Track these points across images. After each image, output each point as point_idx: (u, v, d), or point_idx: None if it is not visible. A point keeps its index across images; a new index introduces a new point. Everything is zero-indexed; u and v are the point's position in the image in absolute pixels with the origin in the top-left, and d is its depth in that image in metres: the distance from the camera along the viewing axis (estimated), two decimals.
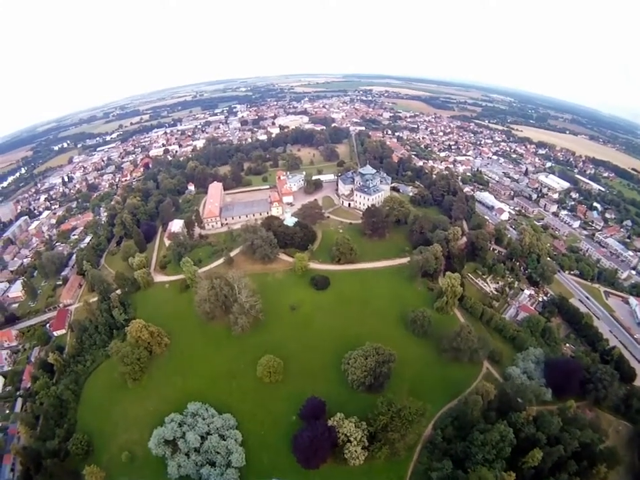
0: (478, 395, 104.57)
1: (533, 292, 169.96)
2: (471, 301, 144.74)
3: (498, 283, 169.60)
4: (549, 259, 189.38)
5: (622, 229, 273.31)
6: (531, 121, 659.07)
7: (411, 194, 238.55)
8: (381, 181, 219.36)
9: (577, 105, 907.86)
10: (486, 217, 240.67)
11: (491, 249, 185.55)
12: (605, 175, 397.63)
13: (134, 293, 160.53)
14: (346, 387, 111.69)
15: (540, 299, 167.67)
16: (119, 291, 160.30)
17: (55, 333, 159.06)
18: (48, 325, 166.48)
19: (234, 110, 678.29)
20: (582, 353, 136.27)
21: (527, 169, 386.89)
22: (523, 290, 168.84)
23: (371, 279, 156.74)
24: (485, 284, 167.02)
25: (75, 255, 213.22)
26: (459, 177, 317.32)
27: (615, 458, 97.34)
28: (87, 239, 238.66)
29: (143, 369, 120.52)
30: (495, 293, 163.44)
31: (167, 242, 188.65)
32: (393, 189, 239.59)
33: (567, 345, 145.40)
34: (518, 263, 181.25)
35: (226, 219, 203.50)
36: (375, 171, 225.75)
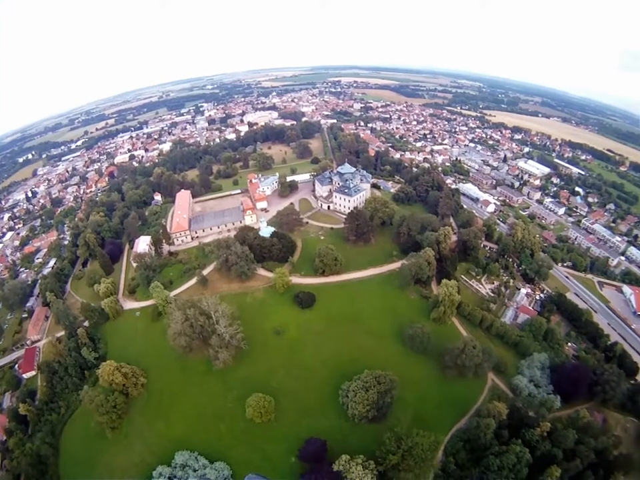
0: (489, 417, 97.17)
1: (529, 290, 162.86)
2: (468, 307, 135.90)
3: (493, 283, 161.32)
4: (542, 253, 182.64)
5: (606, 213, 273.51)
6: (503, 106, 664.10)
7: (392, 190, 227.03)
8: (361, 180, 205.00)
9: (545, 87, 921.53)
10: (472, 210, 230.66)
11: (482, 245, 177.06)
12: (583, 157, 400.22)
13: (103, 325, 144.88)
14: (345, 420, 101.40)
15: (537, 297, 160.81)
16: (87, 323, 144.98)
17: (25, 376, 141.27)
18: (17, 366, 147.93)
19: (201, 109, 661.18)
20: (585, 352, 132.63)
21: (505, 155, 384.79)
22: (519, 289, 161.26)
23: (359, 290, 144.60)
24: (480, 285, 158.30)
25: (39, 283, 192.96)
26: (440, 169, 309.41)
27: (632, 464, 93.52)
28: (51, 263, 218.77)
29: (121, 415, 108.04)
30: (492, 294, 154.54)
31: (135, 263, 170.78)
32: (373, 185, 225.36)
33: (569, 344, 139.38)
34: (511, 260, 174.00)
35: (196, 232, 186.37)
36: (354, 169, 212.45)
